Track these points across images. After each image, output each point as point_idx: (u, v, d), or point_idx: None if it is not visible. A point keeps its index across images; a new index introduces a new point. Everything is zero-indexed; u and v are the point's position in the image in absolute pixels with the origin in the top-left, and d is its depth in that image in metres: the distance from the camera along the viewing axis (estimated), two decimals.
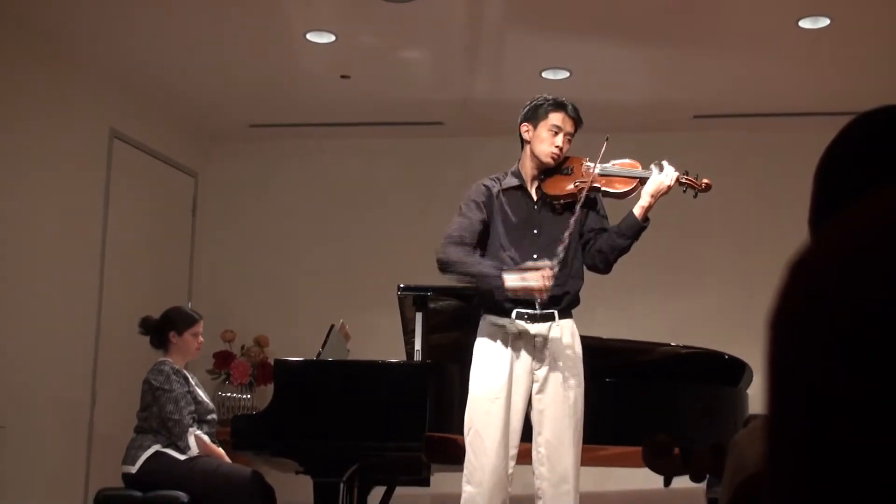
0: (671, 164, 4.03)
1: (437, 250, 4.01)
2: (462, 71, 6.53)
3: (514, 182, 4.09)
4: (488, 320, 4.02)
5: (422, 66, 6.49)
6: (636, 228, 3.97)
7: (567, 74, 6.42)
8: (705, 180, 4.01)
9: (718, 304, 7.17)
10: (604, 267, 4.09)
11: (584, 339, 4.09)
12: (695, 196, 4.05)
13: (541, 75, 6.42)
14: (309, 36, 5.88)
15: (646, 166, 4.08)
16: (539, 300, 3.84)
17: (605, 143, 3.98)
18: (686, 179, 4.00)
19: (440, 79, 6.70)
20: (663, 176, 3.96)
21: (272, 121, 7.61)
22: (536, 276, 3.77)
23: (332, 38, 5.89)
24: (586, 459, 4.09)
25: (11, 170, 5.69)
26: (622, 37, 5.88)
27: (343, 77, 6.57)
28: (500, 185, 4.10)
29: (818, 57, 6.08)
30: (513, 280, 3.82)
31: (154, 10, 5.58)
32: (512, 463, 3.92)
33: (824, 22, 5.55)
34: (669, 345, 5.07)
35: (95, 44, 6.09)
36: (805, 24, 5.56)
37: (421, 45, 6.16)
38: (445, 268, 3.98)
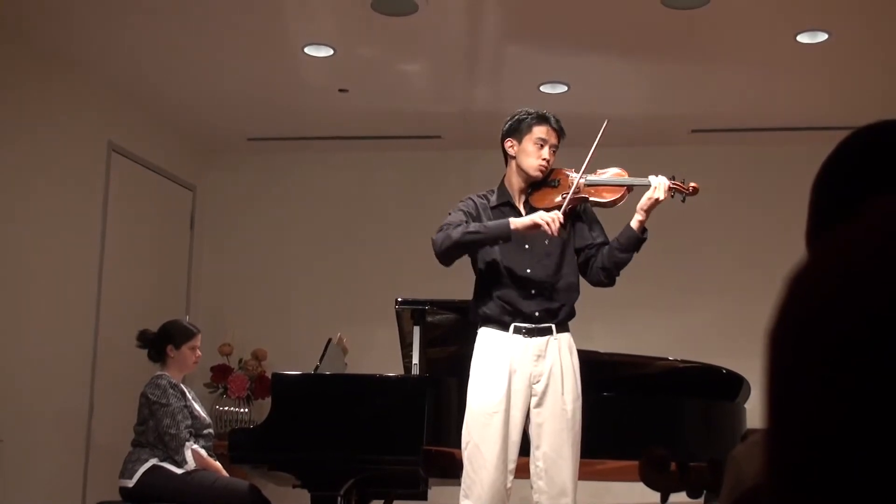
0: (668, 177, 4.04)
1: (434, 238, 3.99)
2: (460, 84, 6.54)
3: (502, 199, 4.10)
4: (486, 334, 4.02)
5: (420, 79, 6.50)
6: (636, 241, 3.99)
7: (565, 88, 6.43)
8: (692, 184, 4.02)
9: (716, 318, 7.17)
10: (609, 281, 4.13)
11: (581, 353, 4.09)
12: (683, 200, 4.05)
13: (539, 89, 6.43)
14: (307, 49, 5.88)
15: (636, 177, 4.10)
16: (551, 235, 3.86)
17: (605, 125, 3.98)
18: (674, 184, 4.00)
19: (438, 92, 6.71)
20: (655, 190, 3.96)
21: (270, 134, 7.62)
22: (546, 216, 3.83)
23: (331, 51, 5.90)
24: (584, 473, 4.08)
25: (11, 182, 5.69)
26: (620, 51, 5.90)
27: (341, 90, 6.57)
28: (489, 202, 4.11)
29: (816, 71, 6.09)
30: (520, 220, 3.90)
31: (153, 24, 5.58)
32: (510, 477, 3.91)
33: (822, 37, 5.56)
34: (667, 359, 5.07)
35: (94, 57, 6.10)
36: (803, 38, 5.58)
37: (419, 58, 6.17)
38: (447, 246, 3.94)
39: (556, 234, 3.83)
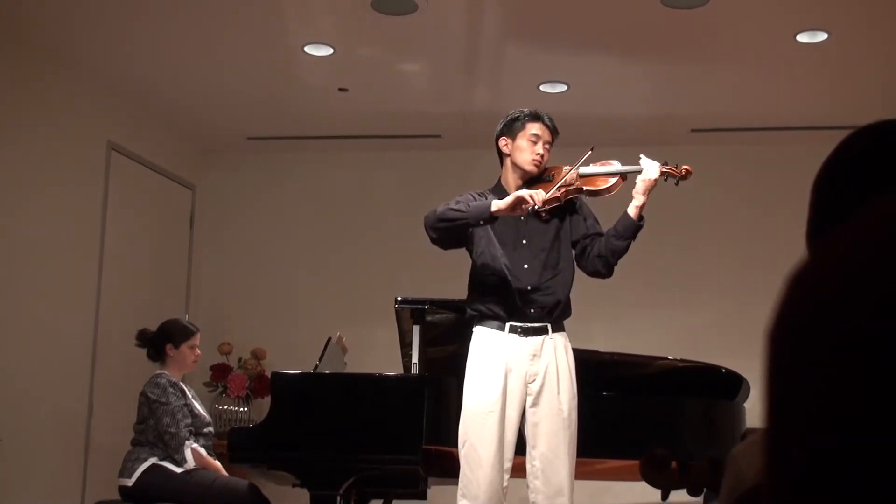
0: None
1: (426, 216, 4.03)
2: (460, 84, 6.53)
3: (498, 197, 4.10)
4: (481, 333, 4.02)
5: (420, 79, 6.50)
6: (633, 228, 4.00)
7: (565, 88, 6.43)
8: (685, 167, 4.04)
9: (716, 317, 7.17)
10: (606, 271, 4.11)
11: (581, 353, 4.10)
12: (676, 184, 4.06)
13: (539, 88, 6.43)
14: (307, 49, 5.88)
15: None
16: (534, 208, 3.85)
17: (590, 152, 4.03)
18: (666, 169, 4.03)
19: (438, 92, 6.71)
20: (648, 172, 3.99)
21: (270, 133, 7.61)
22: (527, 191, 3.85)
23: (331, 50, 5.90)
24: (583, 473, 4.08)
25: (10, 182, 5.69)
26: (620, 51, 5.90)
27: (341, 90, 6.57)
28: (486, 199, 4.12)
29: (816, 71, 6.09)
30: (502, 200, 3.88)
31: (153, 23, 5.58)
32: (506, 476, 3.91)
33: (822, 36, 5.56)
34: (667, 358, 5.07)
35: (94, 57, 6.10)
36: (803, 38, 5.58)
37: (419, 58, 6.17)
38: (433, 220, 3.98)
39: (539, 204, 3.84)
